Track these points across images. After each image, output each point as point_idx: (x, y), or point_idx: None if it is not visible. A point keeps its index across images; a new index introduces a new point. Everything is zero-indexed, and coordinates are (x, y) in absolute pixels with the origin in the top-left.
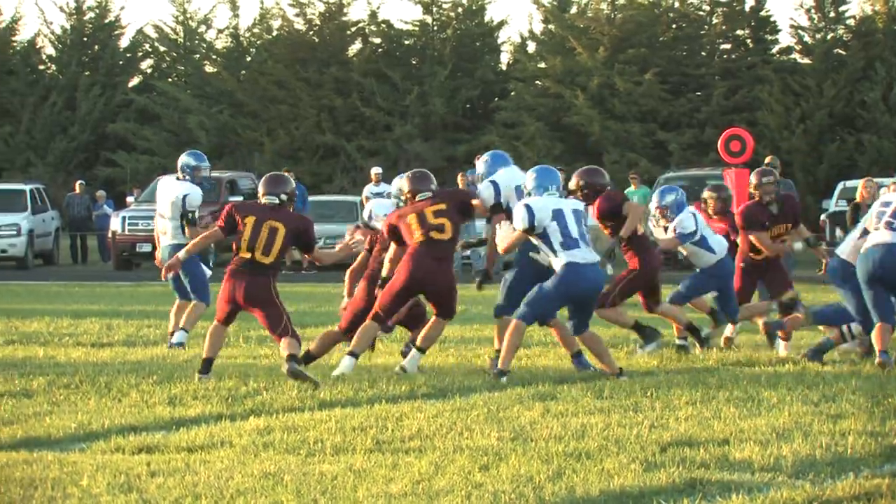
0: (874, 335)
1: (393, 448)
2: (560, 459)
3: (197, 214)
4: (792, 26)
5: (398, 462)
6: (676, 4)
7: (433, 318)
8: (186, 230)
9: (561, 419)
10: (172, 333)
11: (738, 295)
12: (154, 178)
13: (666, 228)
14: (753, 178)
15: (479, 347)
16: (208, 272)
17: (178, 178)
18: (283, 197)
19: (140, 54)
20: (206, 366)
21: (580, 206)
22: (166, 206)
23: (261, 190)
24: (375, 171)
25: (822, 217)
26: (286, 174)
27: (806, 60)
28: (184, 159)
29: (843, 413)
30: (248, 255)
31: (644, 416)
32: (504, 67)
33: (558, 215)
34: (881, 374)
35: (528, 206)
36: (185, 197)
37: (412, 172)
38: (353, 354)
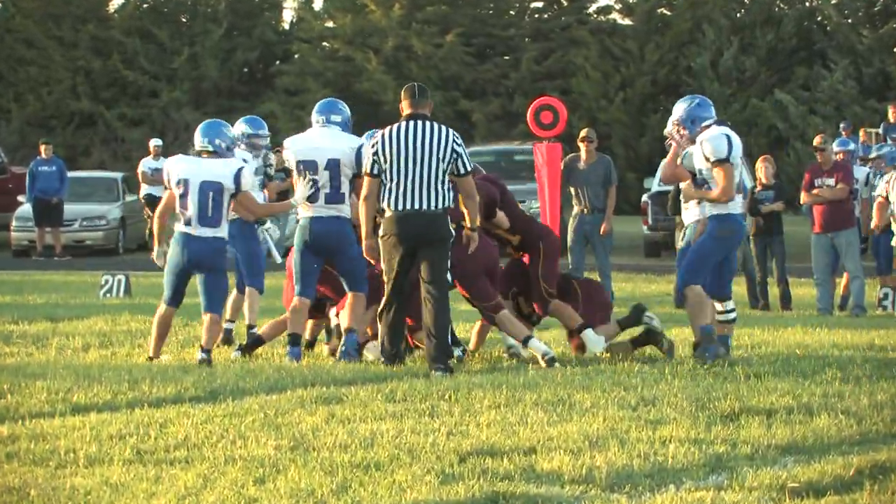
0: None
1: (156, 459)
2: (345, 471)
3: None
4: None
5: (161, 475)
6: None
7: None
8: None
9: (347, 425)
10: None
11: None
12: None
13: None
14: None
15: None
16: None
17: None
18: None
19: None
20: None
21: None
22: None
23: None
24: (155, 143)
25: (644, 198)
26: None
27: (627, 21)
28: None
29: (664, 418)
30: None
31: (441, 422)
32: (286, 27)
33: None
34: (708, 376)
35: None
36: None
37: None
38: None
